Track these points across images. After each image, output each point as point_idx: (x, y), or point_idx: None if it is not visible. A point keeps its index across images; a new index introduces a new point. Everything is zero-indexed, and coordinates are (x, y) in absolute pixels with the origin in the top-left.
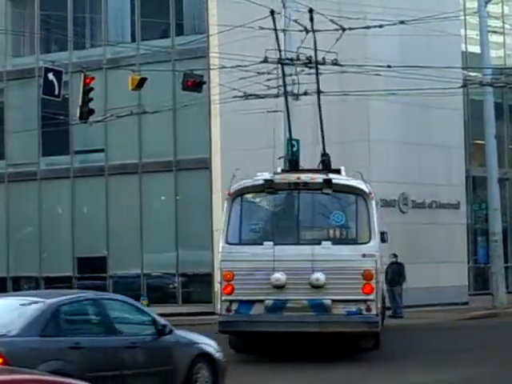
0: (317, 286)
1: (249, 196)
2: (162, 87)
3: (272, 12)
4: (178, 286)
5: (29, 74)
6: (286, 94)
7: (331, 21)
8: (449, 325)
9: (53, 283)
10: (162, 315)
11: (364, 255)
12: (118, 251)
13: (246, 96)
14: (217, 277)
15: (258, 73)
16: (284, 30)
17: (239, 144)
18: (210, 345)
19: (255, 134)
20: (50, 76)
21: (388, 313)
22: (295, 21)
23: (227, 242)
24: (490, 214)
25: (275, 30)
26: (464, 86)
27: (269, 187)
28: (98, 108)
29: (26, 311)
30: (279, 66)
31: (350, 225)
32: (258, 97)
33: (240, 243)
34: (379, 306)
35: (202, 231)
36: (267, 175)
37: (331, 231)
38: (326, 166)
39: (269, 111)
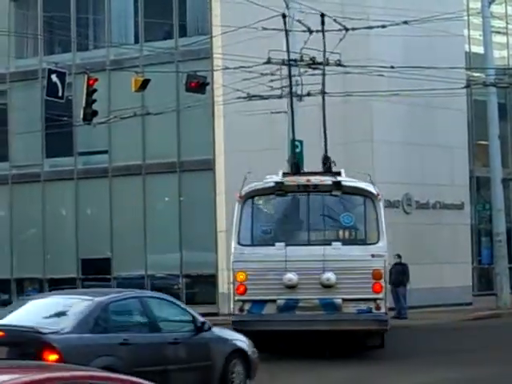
0: (328, 286)
1: (259, 198)
2: (166, 88)
3: (284, 16)
4: (181, 287)
5: (32, 76)
6: (291, 95)
7: (334, 21)
8: (453, 325)
9: (57, 285)
10: None
11: (373, 255)
12: (122, 252)
13: (250, 97)
14: (222, 277)
15: (262, 74)
16: (287, 31)
17: (243, 145)
18: (243, 341)
19: (259, 135)
20: (54, 77)
21: (392, 313)
22: (299, 21)
23: (239, 244)
24: (493, 215)
25: (286, 31)
26: (467, 86)
27: (279, 189)
28: (102, 109)
29: (77, 309)
30: (283, 67)
31: (359, 226)
32: (261, 98)
33: (252, 244)
34: (388, 304)
35: (206, 232)
36: (277, 178)
37: (341, 232)
38: (327, 168)
39: (272, 112)
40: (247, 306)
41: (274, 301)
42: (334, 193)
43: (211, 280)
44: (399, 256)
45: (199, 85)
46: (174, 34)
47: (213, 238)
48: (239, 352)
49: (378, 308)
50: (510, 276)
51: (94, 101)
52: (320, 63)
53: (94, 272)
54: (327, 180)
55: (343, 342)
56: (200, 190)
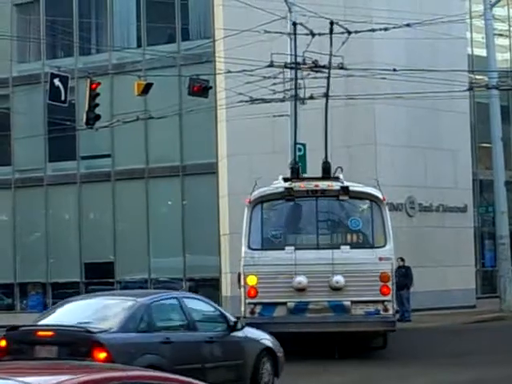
0: (337, 288)
1: (269, 203)
2: (168, 92)
3: (294, 24)
4: (185, 291)
5: (35, 80)
6: (296, 98)
7: (337, 23)
8: (456, 328)
9: (60, 289)
10: None
11: (381, 258)
12: (125, 256)
13: (252, 100)
14: (225, 281)
15: (264, 77)
16: (290, 34)
17: (246, 148)
18: (271, 340)
19: (261, 139)
20: (56, 82)
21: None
22: (301, 24)
23: (249, 248)
24: (497, 217)
25: (295, 34)
26: (470, 89)
27: (288, 194)
28: (105, 113)
29: (121, 309)
30: (285, 70)
31: (367, 230)
32: (264, 101)
33: (262, 248)
34: (395, 306)
35: (209, 236)
36: (286, 183)
37: (349, 236)
38: (326, 172)
39: (275, 116)
40: (258, 309)
41: (284, 303)
42: (341, 197)
43: (214, 283)
44: (402, 259)
45: (202, 88)
46: (176, 38)
47: (216, 242)
48: (268, 351)
49: (385, 310)
50: None
51: (97, 105)
52: (323, 66)
53: (98, 276)
54: (335, 185)
55: (349, 343)
56: (203, 194)
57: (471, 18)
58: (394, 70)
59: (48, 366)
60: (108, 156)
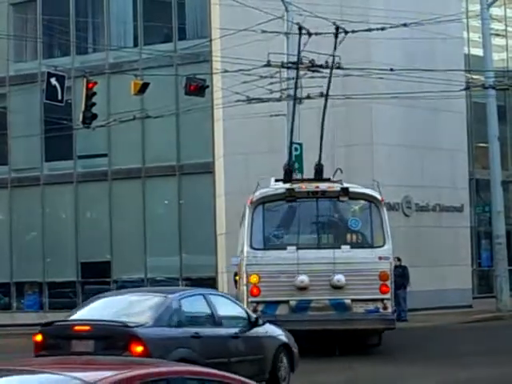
0: (338, 287)
1: (270, 204)
2: (165, 92)
3: (300, 28)
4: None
5: (31, 79)
6: (295, 97)
7: (334, 23)
8: (453, 328)
9: (57, 288)
10: None
11: (380, 258)
12: (122, 256)
13: (249, 100)
14: (222, 280)
15: (261, 76)
16: (287, 34)
17: (242, 148)
18: (287, 337)
19: (258, 138)
20: (53, 81)
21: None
22: (298, 24)
23: (252, 247)
24: (493, 217)
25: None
26: (467, 88)
27: (289, 195)
28: (101, 113)
29: (153, 305)
30: (282, 70)
31: (366, 230)
32: (260, 101)
33: (264, 248)
34: (393, 304)
35: (206, 235)
36: (287, 185)
37: (349, 236)
38: (319, 174)
39: (272, 115)
40: (261, 307)
41: (286, 302)
42: (341, 198)
43: (211, 283)
44: (399, 259)
45: (198, 88)
46: (173, 37)
47: (212, 241)
48: (284, 346)
49: (385, 308)
50: (510, 278)
51: (94, 104)
52: (319, 66)
53: (94, 275)
54: (335, 186)
55: (347, 340)
56: (199, 193)
57: (468, 17)
58: (391, 69)
59: (94, 361)
60: (105, 155)
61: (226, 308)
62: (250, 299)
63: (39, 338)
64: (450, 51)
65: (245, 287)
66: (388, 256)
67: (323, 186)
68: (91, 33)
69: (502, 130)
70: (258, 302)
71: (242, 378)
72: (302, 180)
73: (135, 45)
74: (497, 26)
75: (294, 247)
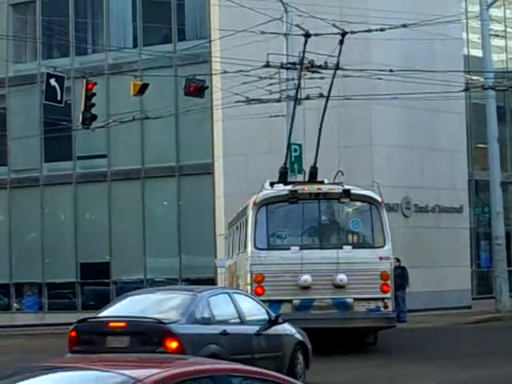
0: (340, 286)
1: (273, 205)
2: (165, 92)
3: (306, 36)
4: None
5: (31, 80)
6: (296, 98)
7: (333, 25)
8: (452, 329)
9: (56, 289)
10: None
11: (381, 258)
12: (121, 257)
13: (248, 101)
14: (221, 281)
15: (260, 77)
16: (286, 35)
17: (242, 149)
18: (303, 335)
19: (257, 139)
20: (52, 82)
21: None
22: (297, 25)
23: (256, 248)
24: (492, 218)
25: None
26: (466, 89)
27: (292, 197)
28: (101, 113)
29: (183, 302)
30: (281, 70)
31: (367, 230)
32: (260, 102)
33: (268, 248)
34: (393, 303)
35: (205, 236)
36: (289, 186)
37: (350, 236)
38: (313, 177)
39: (271, 116)
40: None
41: (290, 301)
42: (342, 200)
43: (210, 284)
44: (398, 260)
45: (198, 89)
46: (172, 38)
47: (212, 242)
48: (301, 344)
49: (385, 307)
50: (509, 279)
51: (93, 105)
52: (319, 66)
53: (93, 276)
54: (337, 188)
55: (345, 339)
56: (199, 194)
57: (467, 18)
58: (391, 70)
59: (139, 359)
60: (104, 156)
61: (248, 306)
62: None
63: (73, 334)
64: (450, 52)
65: (249, 286)
66: (388, 256)
67: (325, 187)
68: (91, 34)
69: (502, 131)
70: (262, 301)
71: (285, 376)
72: (297, 182)
73: (135, 46)
74: (496, 26)
75: (298, 247)
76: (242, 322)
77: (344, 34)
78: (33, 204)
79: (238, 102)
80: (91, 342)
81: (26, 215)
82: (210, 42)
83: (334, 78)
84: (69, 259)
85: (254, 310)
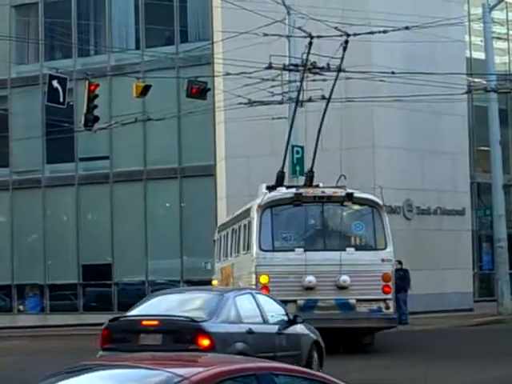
0: (343, 287)
1: (278, 207)
2: (167, 94)
3: (311, 37)
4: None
5: (33, 82)
6: (297, 100)
7: (335, 28)
8: (454, 331)
9: (58, 291)
10: None
11: (383, 260)
12: (123, 258)
13: (251, 103)
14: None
15: (263, 79)
16: (288, 37)
17: (244, 151)
18: (316, 334)
19: (260, 141)
20: (55, 83)
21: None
22: (299, 28)
23: (261, 249)
24: (494, 220)
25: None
26: (468, 92)
27: (297, 200)
28: (103, 115)
29: (212, 302)
30: (284, 72)
31: (369, 233)
32: (262, 103)
33: (273, 250)
34: (395, 304)
35: (207, 238)
36: (293, 189)
37: (353, 239)
38: (309, 182)
39: (273, 118)
40: None
41: (294, 301)
42: (345, 203)
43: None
44: (400, 262)
45: (200, 90)
46: (175, 40)
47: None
48: (316, 343)
49: (387, 307)
50: (511, 282)
51: (95, 106)
52: (321, 68)
53: (95, 278)
54: (340, 192)
55: (345, 339)
56: (201, 196)
57: (470, 21)
58: (393, 72)
59: (182, 358)
60: (106, 158)
61: (268, 306)
62: None
63: (106, 332)
64: (452, 54)
65: (253, 287)
66: (390, 258)
67: (329, 191)
68: (93, 35)
69: (504, 134)
70: None
71: (327, 376)
72: (293, 187)
73: (137, 47)
74: (499, 29)
75: (302, 249)
76: (265, 321)
77: (347, 42)
78: (35, 205)
79: (240, 103)
80: (124, 340)
81: (27, 217)
82: (213, 43)
83: (336, 80)
84: (71, 261)
85: (274, 309)
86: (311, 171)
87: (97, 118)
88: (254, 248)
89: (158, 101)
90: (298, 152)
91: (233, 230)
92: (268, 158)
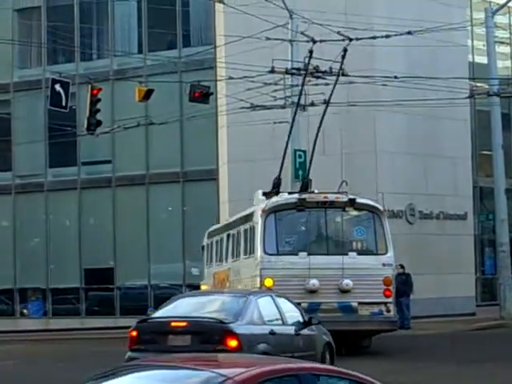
0: (345, 291)
1: (281, 212)
2: (169, 98)
3: (313, 42)
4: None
5: (36, 86)
6: (298, 104)
7: (338, 33)
8: (456, 335)
9: (60, 295)
10: None
11: (384, 264)
12: (126, 262)
13: (253, 107)
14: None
15: (265, 83)
16: (291, 41)
17: (246, 155)
18: (328, 335)
19: (262, 145)
20: (57, 87)
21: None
22: (302, 32)
23: (265, 253)
24: (497, 225)
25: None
26: (471, 96)
27: (300, 205)
28: (105, 119)
29: (236, 304)
30: (286, 76)
31: (370, 238)
32: (264, 108)
33: (277, 253)
34: (395, 308)
35: None
36: (297, 195)
37: (354, 243)
38: (305, 188)
39: (275, 122)
40: None
41: (298, 304)
42: (347, 209)
43: None
44: (402, 266)
45: (203, 95)
46: (177, 44)
47: None
48: (328, 344)
49: (388, 311)
50: None
51: (98, 110)
52: (324, 72)
53: (98, 282)
54: (342, 197)
55: (345, 342)
56: (203, 200)
57: (472, 25)
58: (395, 77)
59: (223, 359)
60: (109, 162)
61: (286, 308)
62: None
63: (134, 333)
64: (454, 59)
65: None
66: (391, 263)
67: (331, 196)
68: (96, 39)
69: (506, 138)
70: None
71: (364, 376)
72: (289, 193)
73: (140, 51)
74: (501, 33)
75: (305, 253)
76: (284, 322)
77: (346, 50)
78: (37, 209)
79: (242, 108)
80: (152, 341)
81: (30, 221)
82: (215, 48)
83: (335, 85)
84: (73, 265)
85: (291, 311)
86: (307, 178)
87: (99, 122)
88: (259, 252)
89: (160, 105)
90: (300, 156)
91: (228, 235)
92: (270, 162)
